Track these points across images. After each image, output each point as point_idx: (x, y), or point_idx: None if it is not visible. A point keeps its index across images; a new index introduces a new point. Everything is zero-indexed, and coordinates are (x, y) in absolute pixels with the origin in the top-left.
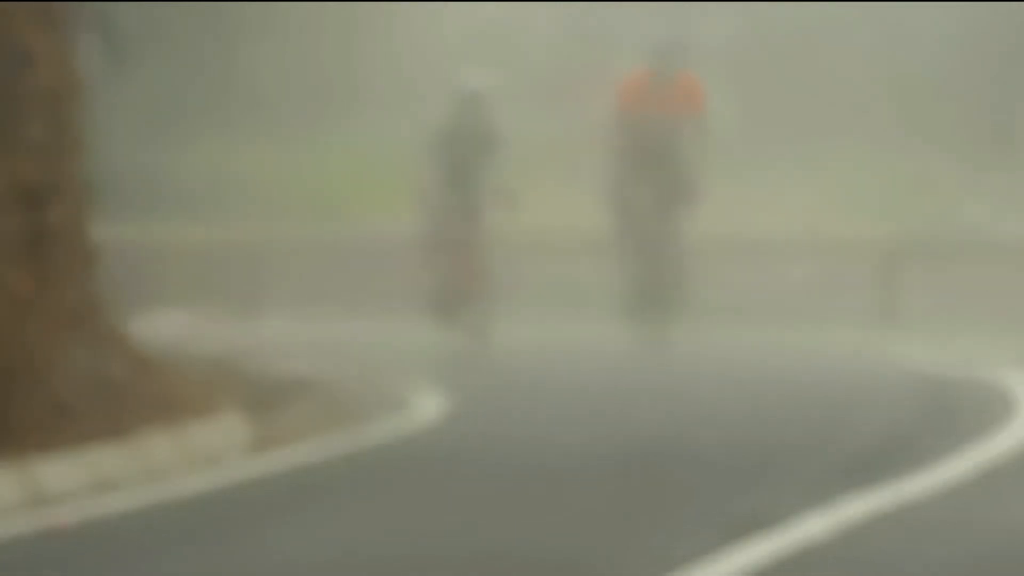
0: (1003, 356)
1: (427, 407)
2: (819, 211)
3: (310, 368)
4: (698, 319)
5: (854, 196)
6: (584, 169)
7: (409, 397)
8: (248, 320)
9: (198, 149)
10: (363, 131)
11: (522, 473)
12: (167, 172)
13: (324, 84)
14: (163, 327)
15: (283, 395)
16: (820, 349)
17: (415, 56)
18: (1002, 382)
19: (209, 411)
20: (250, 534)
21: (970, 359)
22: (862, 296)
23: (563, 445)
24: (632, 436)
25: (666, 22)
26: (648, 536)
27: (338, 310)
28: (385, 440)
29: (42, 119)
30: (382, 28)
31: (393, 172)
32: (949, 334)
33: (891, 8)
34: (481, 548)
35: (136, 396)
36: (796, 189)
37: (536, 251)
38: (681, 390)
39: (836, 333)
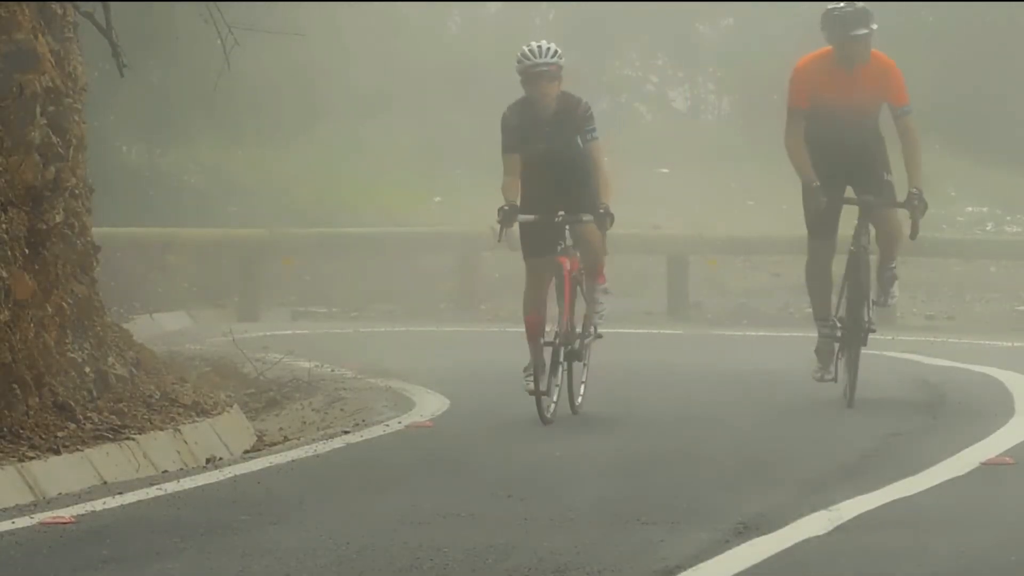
0: (1002, 355)
1: (427, 406)
2: None
3: (310, 368)
4: (699, 319)
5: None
6: None
7: (411, 396)
8: (248, 320)
9: (198, 149)
10: (363, 131)
11: (523, 472)
12: (167, 172)
13: (324, 84)
14: (163, 327)
15: (283, 395)
16: None
17: (415, 56)
18: (1001, 380)
19: (209, 410)
20: (250, 532)
21: (969, 358)
22: None
23: (565, 441)
24: (633, 435)
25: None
26: (649, 535)
27: (338, 310)
28: (385, 440)
29: (42, 119)
30: (382, 28)
31: (393, 172)
32: (949, 333)
33: (890, 8)
34: (482, 544)
35: (136, 396)
36: (796, 189)
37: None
38: (682, 390)
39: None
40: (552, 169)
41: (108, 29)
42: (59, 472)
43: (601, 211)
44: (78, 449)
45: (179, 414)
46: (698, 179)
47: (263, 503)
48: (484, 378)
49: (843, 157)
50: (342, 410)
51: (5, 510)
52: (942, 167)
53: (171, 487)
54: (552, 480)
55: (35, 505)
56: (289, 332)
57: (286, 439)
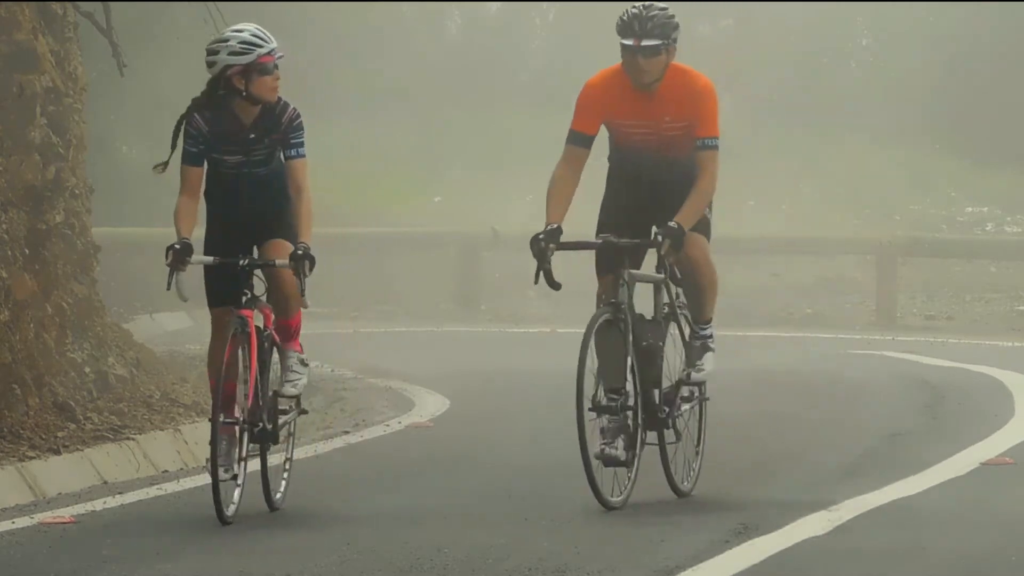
0: (1002, 355)
1: (427, 407)
2: (819, 211)
3: (310, 368)
4: None
5: (854, 196)
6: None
7: (411, 396)
8: None
9: None
10: (362, 131)
11: (523, 472)
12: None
13: (324, 84)
14: (163, 327)
15: None
16: (820, 348)
17: (416, 55)
18: (1001, 380)
19: (209, 410)
20: (250, 531)
21: (969, 358)
22: (862, 296)
23: (565, 441)
24: None
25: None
26: (649, 535)
27: (338, 310)
28: (385, 440)
29: (42, 119)
30: (382, 29)
31: (394, 172)
32: (949, 334)
33: (890, 8)
34: (482, 544)
35: (136, 396)
36: (796, 189)
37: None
38: None
39: (836, 333)
40: (241, 188)
41: (108, 29)
42: (59, 472)
43: (299, 252)
44: (78, 449)
45: (179, 414)
46: None
47: (263, 503)
48: (484, 378)
49: (643, 193)
50: (342, 410)
51: (5, 510)
52: (942, 167)
53: (171, 487)
54: (552, 480)
55: (35, 505)
56: None
57: (286, 439)
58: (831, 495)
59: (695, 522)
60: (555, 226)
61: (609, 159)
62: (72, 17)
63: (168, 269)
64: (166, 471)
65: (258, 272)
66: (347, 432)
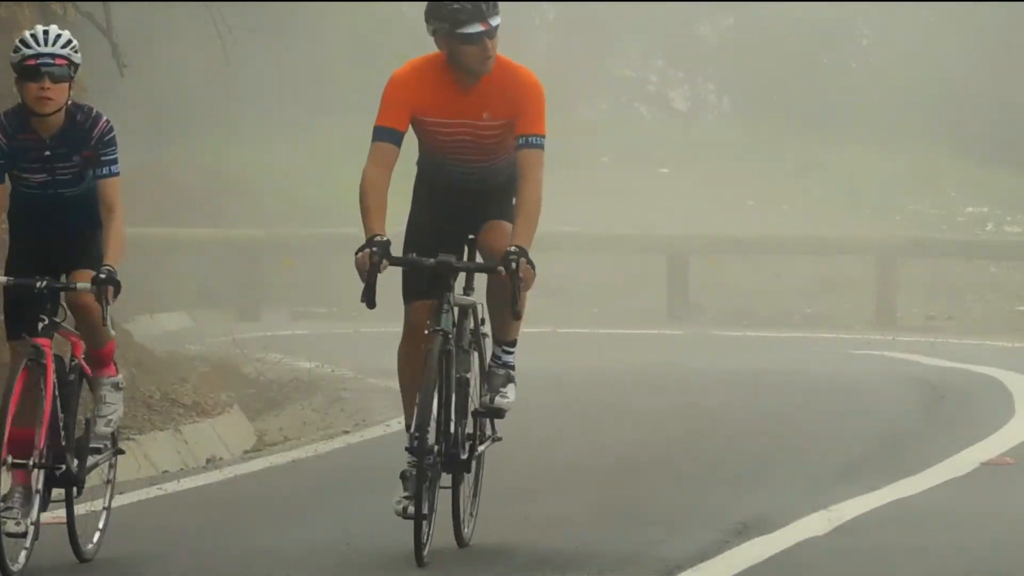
0: (1002, 355)
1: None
2: (819, 211)
3: (310, 368)
4: (699, 319)
5: (854, 196)
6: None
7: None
8: (249, 320)
9: (198, 149)
10: (363, 131)
11: (523, 471)
12: (167, 172)
13: (325, 84)
14: (163, 327)
15: (283, 395)
16: (820, 348)
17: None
18: (1001, 380)
19: (209, 410)
20: (250, 532)
21: (969, 358)
22: (862, 296)
23: (566, 442)
24: (634, 435)
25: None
26: (649, 535)
27: (338, 310)
28: (385, 440)
29: None
30: (382, 29)
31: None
32: (949, 334)
33: (891, 8)
34: (482, 544)
35: (136, 396)
36: (796, 189)
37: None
38: (682, 390)
39: (836, 333)
40: (46, 211)
41: (108, 29)
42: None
43: (102, 276)
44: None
45: (179, 414)
46: (698, 179)
47: (263, 503)
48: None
49: (457, 206)
50: (342, 410)
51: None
52: (942, 167)
53: (171, 487)
54: (552, 480)
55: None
56: (289, 332)
57: (286, 439)
58: (831, 495)
59: (695, 522)
60: (384, 238)
61: (418, 164)
62: (72, 17)
63: None
64: (166, 471)
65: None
66: (347, 432)
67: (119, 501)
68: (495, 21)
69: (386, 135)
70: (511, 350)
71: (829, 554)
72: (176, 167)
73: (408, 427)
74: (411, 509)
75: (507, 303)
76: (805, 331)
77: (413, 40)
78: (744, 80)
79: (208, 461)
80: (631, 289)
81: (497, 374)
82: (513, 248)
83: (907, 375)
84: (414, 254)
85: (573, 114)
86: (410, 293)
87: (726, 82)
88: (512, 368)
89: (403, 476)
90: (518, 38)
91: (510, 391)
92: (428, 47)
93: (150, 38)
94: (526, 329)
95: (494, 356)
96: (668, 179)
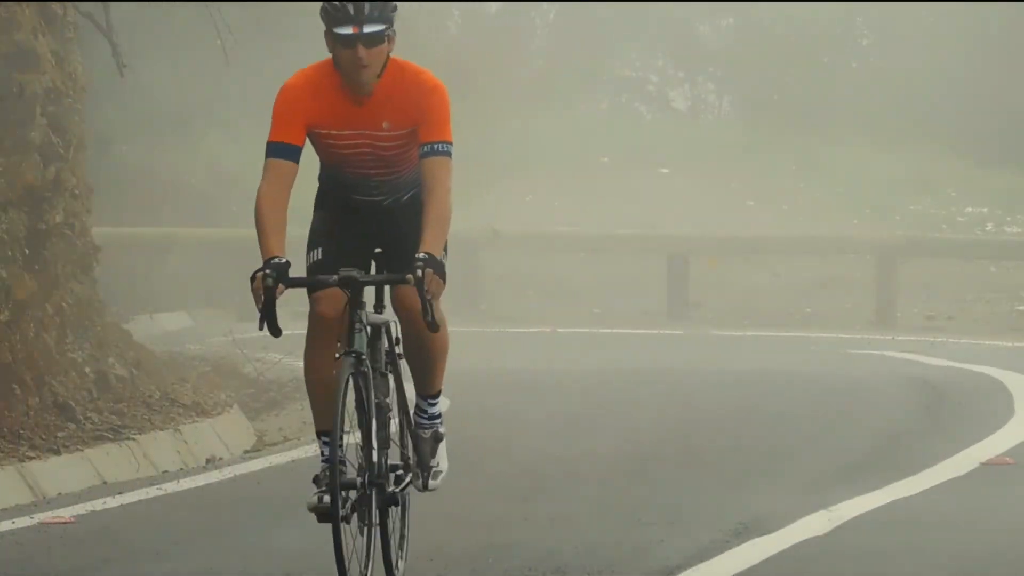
0: (1002, 355)
1: None
2: (819, 211)
3: None
4: (699, 319)
5: (854, 196)
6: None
7: (411, 396)
8: (248, 320)
9: (198, 149)
10: None
11: (523, 471)
12: (167, 172)
13: None
14: (163, 327)
15: (283, 395)
16: (820, 348)
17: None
18: (1001, 381)
19: (209, 410)
20: (250, 532)
21: (969, 358)
22: (862, 296)
23: (565, 442)
24: (634, 435)
25: (665, 22)
26: (649, 535)
27: None
28: None
29: (42, 119)
30: None
31: None
32: (949, 334)
33: (891, 8)
34: (482, 544)
35: (136, 396)
36: (796, 188)
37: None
38: (682, 390)
39: (836, 333)
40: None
41: (108, 29)
42: (59, 472)
43: None
44: (78, 449)
45: (179, 414)
46: (698, 179)
47: (263, 503)
48: (484, 378)
49: (360, 223)
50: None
51: (5, 510)
52: (942, 167)
53: (171, 487)
54: (552, 480)
55: (35, 505)
56: (289, 332)
57: (286, 439)
58: (831, 495)
59: (695, 522)
60: (283, 260)
61: (319, 179)
62: (72, 17)
63: None
64: (166, 471)
65: None
66: (347, 432)
67: (119, 501)
68: (371, 28)
69: (280, 151)
70: (435, 403)
71: (829, 554)
72: (176, 167)
73: (319, 434)
74: (326, 499)
75: (422, 346)
76: (805, 331)
77: (412, 40)
78: (744, 80)
79: (208, 461)
80: (631, 289)
81: (423, 438)
82: (421, 255)
83: (907, 375)
84: (318, 252)
85: (573, 114)
86: (316, 281)
87: (726, 82)
88: (439, 421)
89: (315, 480)
90: (518, 38)
91: (442, 459)
92: (427, 46)
93: (150, 38)
94: (526, 329)
95: (418, 410)
96: (668, 179)
